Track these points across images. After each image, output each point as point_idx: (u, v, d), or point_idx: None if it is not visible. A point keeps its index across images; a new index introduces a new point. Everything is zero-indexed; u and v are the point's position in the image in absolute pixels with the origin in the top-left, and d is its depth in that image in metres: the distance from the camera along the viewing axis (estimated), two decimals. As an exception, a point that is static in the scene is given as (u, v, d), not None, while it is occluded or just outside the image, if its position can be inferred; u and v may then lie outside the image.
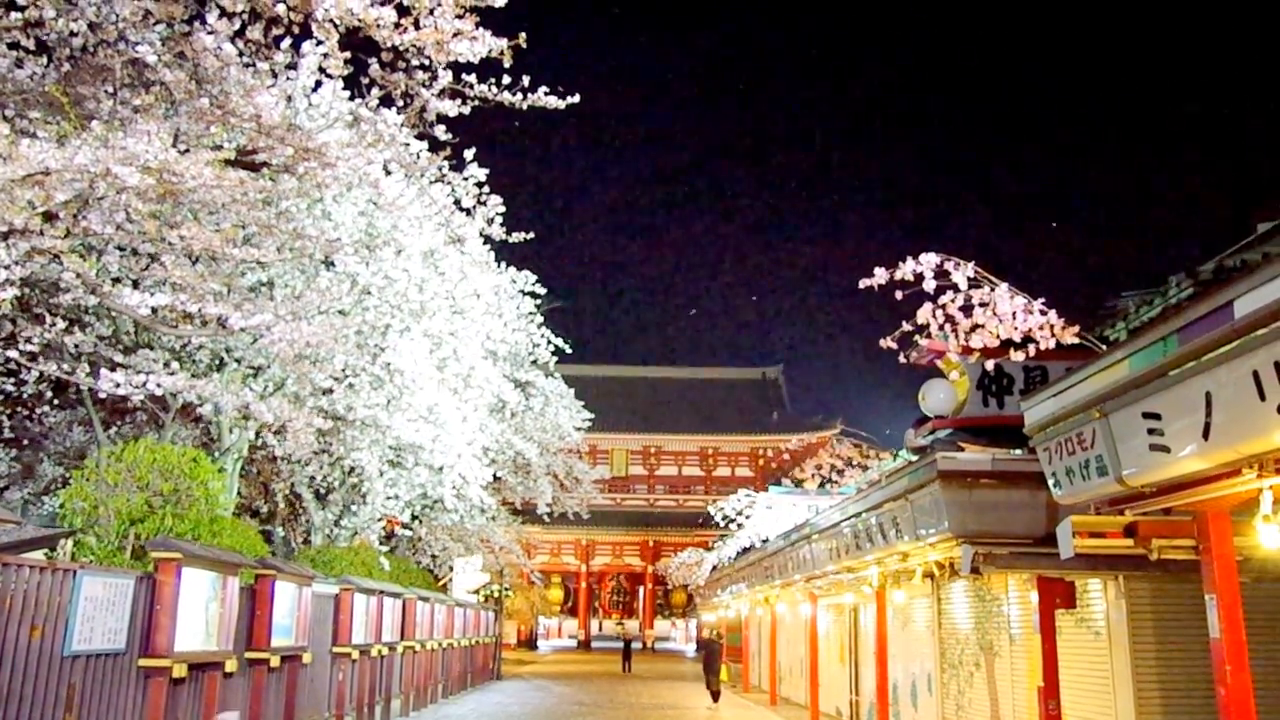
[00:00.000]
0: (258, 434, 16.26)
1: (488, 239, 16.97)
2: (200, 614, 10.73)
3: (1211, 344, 5.72)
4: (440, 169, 13.30)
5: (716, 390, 68.26)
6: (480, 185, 14.85)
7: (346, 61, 9.66)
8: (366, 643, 17.44)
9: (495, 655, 35.48)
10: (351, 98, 12.31)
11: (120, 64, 9.80)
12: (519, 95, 11.17)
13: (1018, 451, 10.35)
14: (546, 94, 11.32)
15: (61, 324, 11.92)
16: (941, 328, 8.54)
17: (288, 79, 11.99)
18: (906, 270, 8.36)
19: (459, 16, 8.97)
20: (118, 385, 10.58)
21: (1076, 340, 8.42)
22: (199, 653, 10.72)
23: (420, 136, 11.74)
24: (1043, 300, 8.36)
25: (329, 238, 12.72)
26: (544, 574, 57.22)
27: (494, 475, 21.89)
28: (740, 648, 35.39)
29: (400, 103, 10.99)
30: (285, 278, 15.08)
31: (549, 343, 24.36)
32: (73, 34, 9.41)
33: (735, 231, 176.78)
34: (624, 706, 24.94)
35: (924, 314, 8.47)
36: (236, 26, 9.64)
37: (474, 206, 15.23)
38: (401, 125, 11.19)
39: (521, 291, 22.13)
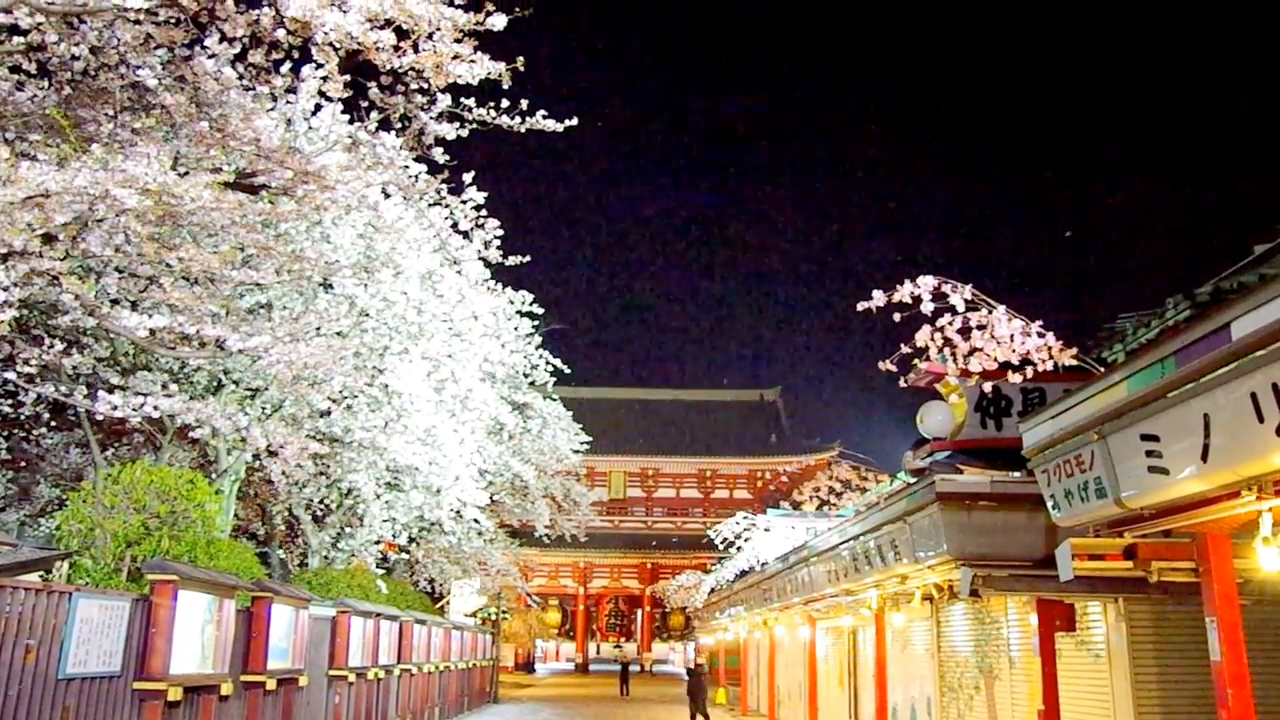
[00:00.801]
0: (255, 456, 16.24)
1: (486, 261, 17.00)
2: (196, 636, 10.68)
3: (1209, 366, 5.73)
4: (439, 192, 13.32)
5: (715, 412, 68.24)
6: (478, 208, 14.88)
7: (346, 85, 9.69)
8: (363, 665, 17.36)
9: (492, 678, 35.33)
10: (351, 121, 12.35)
11: (121, 87, 9.84)
12: (517, 118, 11.21)
13: (1016, 473, 10.34)
14: (545, 117, 11.37)
15: (60, 345, 11.92)
16: (940, 350, 8.55)
17: (287, 102, 12.04)
18: (904, 293, 8.38)
19: (457, 40, 9.00)
20: (115, 407, 10.57)
21: (1074, 362, 8.43)
22: (195, 675, 10.67)
23: (419, 159, 11.78)
24: (1040, 322, 8.38)
25: (328, 260, 12.74)
26: (541, 597, 57.06)
27: (491, 497, 21.85)
28: (739, 670, 35.25)
29: (399, 125, 11.03)
30: (284, 299, 15.08)
31: (547, 364, 24.35)
32: (74, 58, 9.44)
33: (733, 252, 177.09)
34: (622, 730, 24.82)
35: (922, 336, 8.49)
36: (237, 51, 9.69)
37: (472, 229, 15.26)
38: (400, 149, 11.22)
39: (519, 313, 22.12)
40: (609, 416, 61.43)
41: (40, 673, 8.34)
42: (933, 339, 8.50)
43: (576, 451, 29.39)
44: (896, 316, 8.51)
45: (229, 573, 12.02)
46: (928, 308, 8.40)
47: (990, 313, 8.40)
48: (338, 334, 14.53)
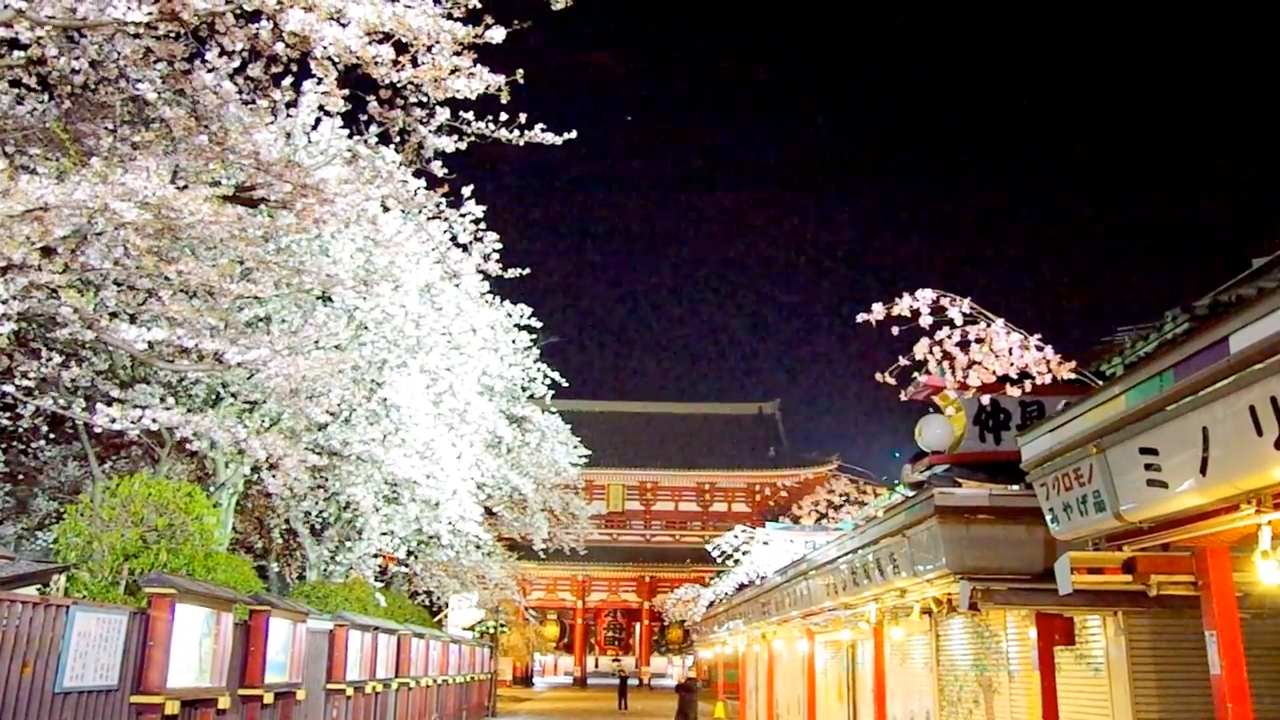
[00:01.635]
0: (254, 469, 16.23)
1: (484, 274, 17.02)
2: (194, 650, 10.65)
3: (1208, 379, 5.73)
4: (438, 205, 13.34)
5: (713, 426, 68.19)
6: (477, 221, 14.90)
7: (345, 99, 9.71)
8: (361, 679, 17.32)
9: (490, 692, 35.22)
10: (350, 135, 12.38)
11: (120, 101, 9.86)
12: (516, 132, 11.23)
13: (1015, 487, 10.33)
14: (543, 130, 11.38)
15: (58, 359, 11.94)
16: (939, 363, 8.55)
17: (288, 116, 12.06)
18: (903, 306, 8.38)
19: (456, 54, 9.02)
20: (113, 420, 10.56)
21: (1073, 375, 8.43)
22: (192, 689, 10.64)
23: (418, 173, 11.79)
24: (1039, 336, 8.38)
25: (327, 273, 12.74)
26: (540, 610, 57.03)
27: (489, 511, 21.84)
28: (737, 684, 35.14)
29: (398, 139, 11.04)
30: (282, 313, 15.10)
31: (545, 377, 24.37)
32: (74, 71, 9.45)
33: (732, 266, 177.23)
34: (620, 744, 24.75)
35: (921, 350, 8.48)
36: (236, 65, 9.70)
37: (471, 242, 15.28)
38: (400, 164, 11.24)
39: (518, 326, 22.15)
40: (608, 430, 61.39)
41: (37, 686, 8.32)
42: (931, 352, 8.49)
43: (575, 465, 29.38)
44: (895, 330, 8.51)
45: (227, 586, 12.00)
46: (926, 321, 8.40)
47: (989, 326, 8.40)
48: (336, 347, 14.54)
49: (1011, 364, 8.40)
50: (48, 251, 8.90)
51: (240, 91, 10.08)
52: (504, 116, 11.09)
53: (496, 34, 8.98)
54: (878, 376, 8.90)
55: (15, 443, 17.77)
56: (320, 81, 9.41)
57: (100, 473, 15.93)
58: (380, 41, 8.67)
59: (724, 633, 32.57)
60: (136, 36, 9.08)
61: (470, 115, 10.97)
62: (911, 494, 11.78)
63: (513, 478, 24.61)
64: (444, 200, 13.22)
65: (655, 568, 61.36)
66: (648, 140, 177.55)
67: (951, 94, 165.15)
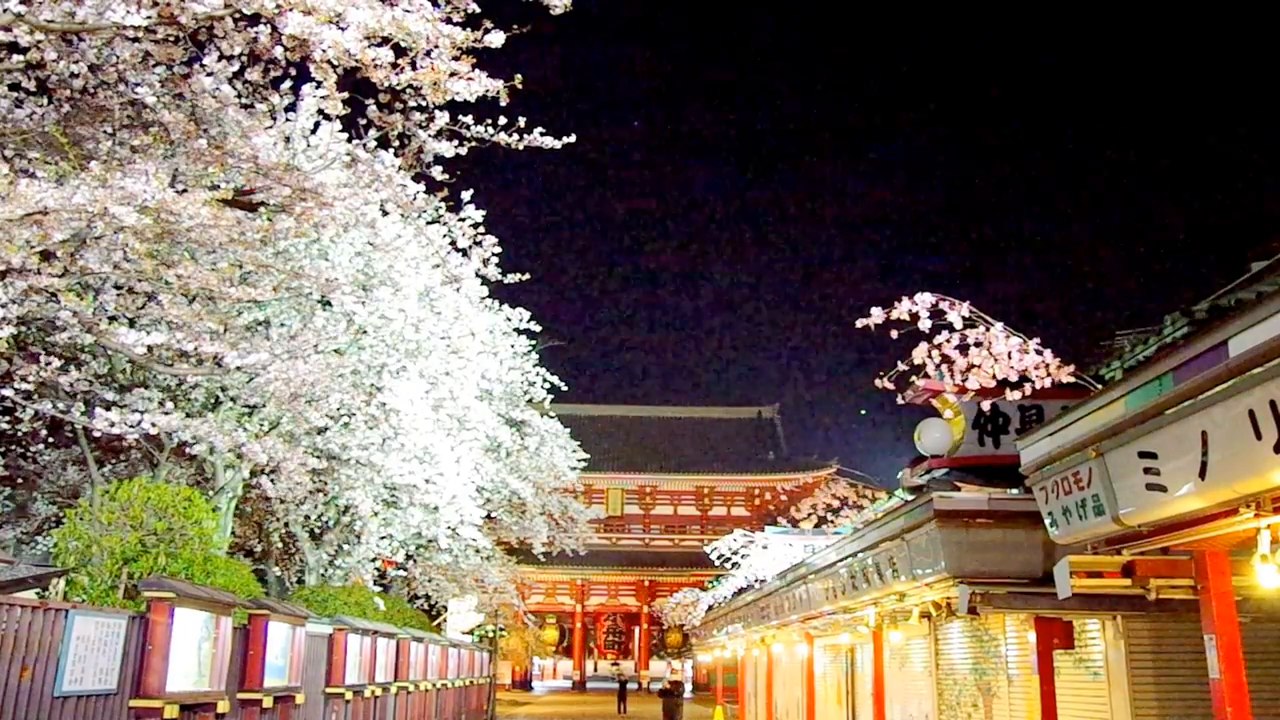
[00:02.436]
0: (252, 473, 16.22)
1: (484, 279, 17.02)
2: (193, 654, 10.64)
3: (1207, 383, 5.73)
4: (437, 209, 13.35)
5: (712, 430, 68.19)
6: (476, 226, 14.91)
7: (344, 102, 9.72)
8: (360, 683, 17.30)
9: (489, 696, 35.20)
10: (349, 139, 12.38)
11: (119, 105, 9.86)
12: (515, 136, 11.24)
13: (1014, 491, 10.33)
14: (542, 134, 11.39)
15: (57, 362, 11.92)
16: (938, 367, 8.56)
17: (287, 120, 12.06)
18: (902, 310, 8.39)
19: (455, 58, 9.03)
20: (113, 424, 10.56)
21: (1072, 379, 8.44)
22: (191, 693, 10.63)
23: (418, 177, 11.80)
24: (1038, 339, 8.39)
25: (326, 277, 12.75)
26: (539, 614, 56.95)
27: (488, 515, 21.83)
28: (736, 688, 35.12)
29: (397, 143, 11.05)
30: (282, 317, 15.09)
31: (544, 381, 24.38)
32: (73, 75, 9.46)
33: (731, 270, 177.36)
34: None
35: (920, 354, 8.50)
36: (235, 68, 9.71)
37: (470, 247, 15.29)
38: (399, 168, 11.24)
39: (516, 330, 22.16)
40: (607, 434, 61.42)
41: (36, 691, 8.31)
42: (930, 356, 8.51)
43: (574, 469, 29.38)
44: (894, 334, 8.53)
45: (226, 590, 11.99)
46: (925, 325, 8.41)
47: (988, 330, 8.42)
48: (335, 351, 14.54)
49: (1010, 368, 8.42)
50: (47, 255, 8.90)
51: (239, 95, 10.09)
52: (503, 120, 11.11)
53: (496, 38, 8.99)
54: (877, 382, 8.91)
55: (14, 446, 17.75)
56: (319, 85, 9.42)
57: (99, 477, 15.91)
58: (379, 45, 8.68)
59: (723, 637, 32.56)
60: (135, 40, 9.09)
61: (470, 119, 10.98)
62: (910, 498, 11.78)
63: (512, 482, 24.61)
64: (443, 205, 13.24)
65: (654, 572, 61.34)
66: (647, 143, 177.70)
67: (951, 96, 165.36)
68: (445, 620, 30.38)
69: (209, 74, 9.53)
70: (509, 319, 21.57)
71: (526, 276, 17.26)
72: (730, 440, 66.39)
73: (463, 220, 14.63)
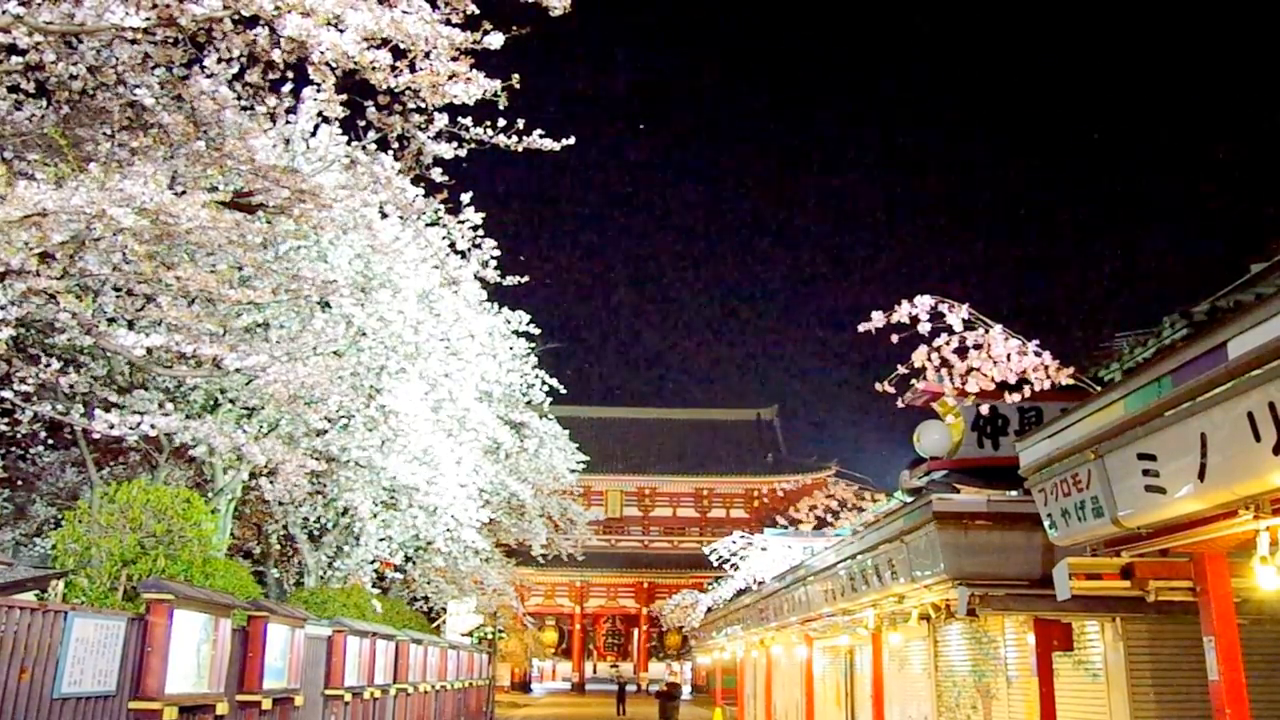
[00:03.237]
0: (252, 475, 16.21)
1: (483, 281, 17.03)
2: (192, 656, 10.63)
3: (1206, 385, 5.74)
4: (436, 212, 13.36)
5: (711, 432, 68.17)
6: (476, 228, 14.91)
7: (343, 104, 9.71)
8: (359, 685, 17.29)
9: (489, 698, 35.19)
10: (348, 140, 12.38)
11: (119, 106, 9.85)
12: (514, 138, 11.24)
13: (1013, 493, 10.33)
14: (541, 136, 11.39)
15: (56, 364, 11.92)
16: (937, 370, 8.56)
17: (287, 122, 12.06)
18: (902, 313, 8.40)
19: (454, 59, 9.02)
20: (112, 426, 10.56)
21: (1071, 381, 8.45)
22: (190, 695, 10.61)
23: (417, 179, 11.80)
24: (1037, 342, 8.39)
25: (325, 279, 12.74)
26: (538, 616, 56.95)
27: (488, 517, 21.81)
28: (736, 690, 35.11)
29: (396, 145, 11.05)
30: (281, 319, 15.08)
31: (543, 384, 24.38)
32: (72, 77, 9.46)
33: (731, 272, 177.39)
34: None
35: (919, 356, 8.50)
36: (234, 71, 9.70)
37: (469, 249, 15.29)
38: (398, 170, 11.24)
39: (516, 332, 22.16)
40: (606, 436, 61.41)
41: (35, 692, 8.30)
42: (930, 359, 8.52)
43: (573, 471, 29.37)
44: (894, 337, 8.53)
45: (225, 592, 11.98)
46: (925, 327, 8.42)
47: (987, 332, 8.43)
48: (335, 353, 14.53)
49: (1010, 370, 8.42)
50: (46, 257, 8.90)
51: (239, 97, 10.09)
52: (502, 122, 11.11)
53: (495, 40, 8.99)
54: (877, 386, 8.91)
55: (13, 448, 17.75)
56: (319, 88, 9.42)
57: (98, 478, 15.91)
58: (378, 47, 8.68)
59: (722, 638, 32.56)
60: (134, 42, 9.09)
61: (469, 121, 10.98)
62: (910, 500, 11.78)
63: (511, 483, 24.60)
64: (442, 207, 13.24)
65: (653, 573, 61.34)
66: (647, 146, 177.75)
67: (951, 99, 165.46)
68: (444, 622, 30.36)
69: (208, 76, 9.53)
70: (508, 321, 21.58)
71: (525, 279, 17.29)
72: (729, 442, 66.38)
73: (462, 223, 14.64)
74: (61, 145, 9.65)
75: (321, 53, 8.53)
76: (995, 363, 8.40)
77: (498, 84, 9.46)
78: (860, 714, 18.99)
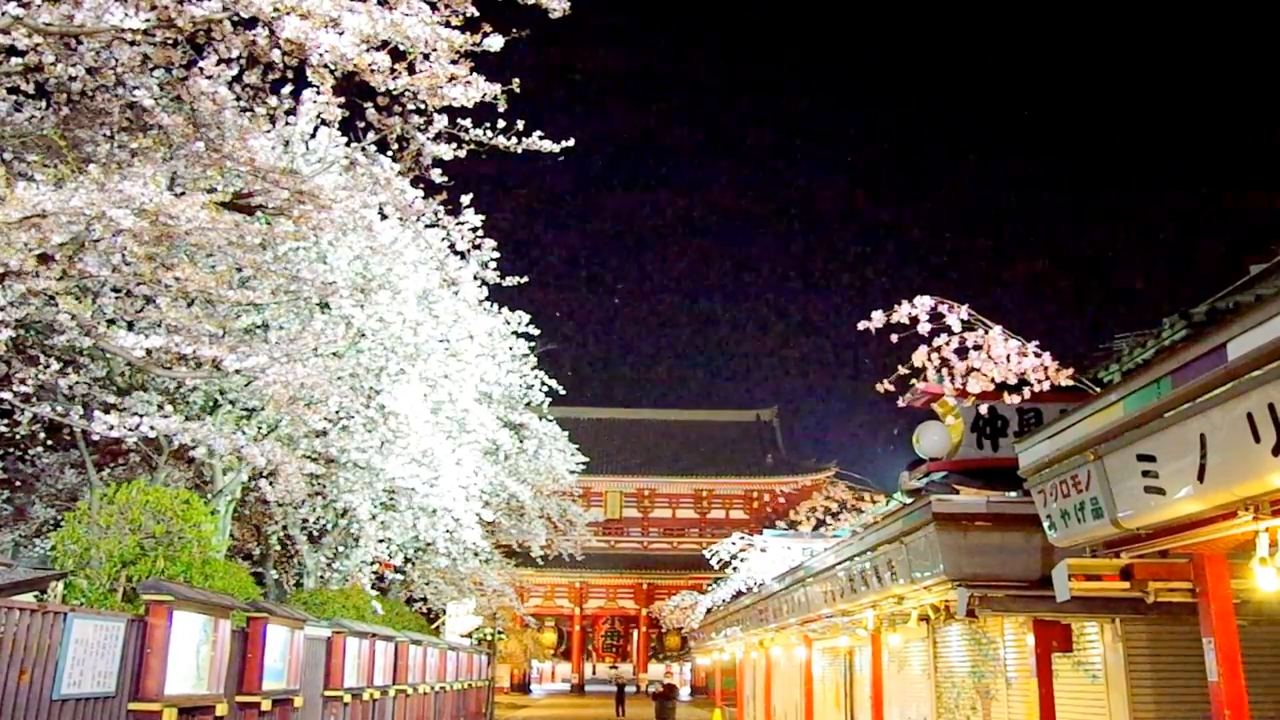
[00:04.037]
0: (251, 476, 16.21)
1: (482, 282, 17.02)
2: (191, 657, 10.64)
3: (1205, 386, 5.75)
4: (436, 213, 13.35)
5: (711, 433, 68.15)
6: (475, 229, 14.90)
7: (343, 105, 9.71)
8: (359, 686, 17.30)
9: (488, 699, 35.19)
10: (348, 142, 12.37)
11: (118, 108, 9.86)
12: (514, 139, 11.24)
13: (1013, 494, 10.34)
14: (540, 138, 11.39)
15: (56, 365, 11.92)
16: (937, 371, 8.56)
17: (287, 124, 12.05)
18: (902, 313, 8.40)
19: (454, 62, 9.02)
20: (111, 427, 10.55)
21: (1071, 382, 8.45)
22: (190, 696, 10.62)
23: (416, 181, 11.80)
24: (1037, 343, 8.39)
25: (324, 280, 12.74)
26: (537, 617, 56.91)
27: (490, 517, 21.80)
28: (735, 691, 35.11)
29: (396, 146, 11.04)
30: (280, 320, 15.08)
31: (542, 384, 24.37)
32: (72, 78, 9.45)
33: (730, 273, 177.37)
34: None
35: (919, 357, 8.50)
36: (234, 71, 9.70)
37: (469, 250, 15.28)
38: (398, 172, 11.24)
39: (515, 333, 22.14)
40: (605, 437, 61.40)
41: (35, 693, 8.30)
42: (929, 359, 8.52)
43: (573, 472, 29.32)
44: (894, 337, 8.53)
45: (224, 593, 11.98)
46: (924, 328, 8.42)
47: (987, 333, 8.43)
48: (334, 354, 14.53)
49: (1009, 371, 8.43)
50: (45, 258, 8.89)
51: (238, 98, 10.08)
52: (502, 124, 11.11)
53: (494, 42, 8.99)
54: (878, 386, 8.91)
55: (13, 450, 17.74)
56: (318, 91, 9.42)
57: (98, 480, 15.90)
58: (377, 49, 8.68)
59: (721, 640, 32.56)
60: (134, 43, 9.08)
61: (468, 123, 10.98)
62: (909, 501, 11.79)
63: (510, 485, 24.55)
64: (442, 208, 13.24)
65: (653, 575, 61.31)
66: (646, 147, 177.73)
67: (950, 100, 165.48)
68: (444, 623, 30.37)
69: (207, 77, 9.52)
70: (507, 322, 21.56)
71: (525, 279, 17.29)
72: (729, 443, 66.36)
73: (461, 224, 14.63)
74: (61, 146, 9.65)
75: (320, 55, 8.53)
76: (995, 363, 8.41)
77: (497, 87, 9.46)
78: (860, 715, 18.99)
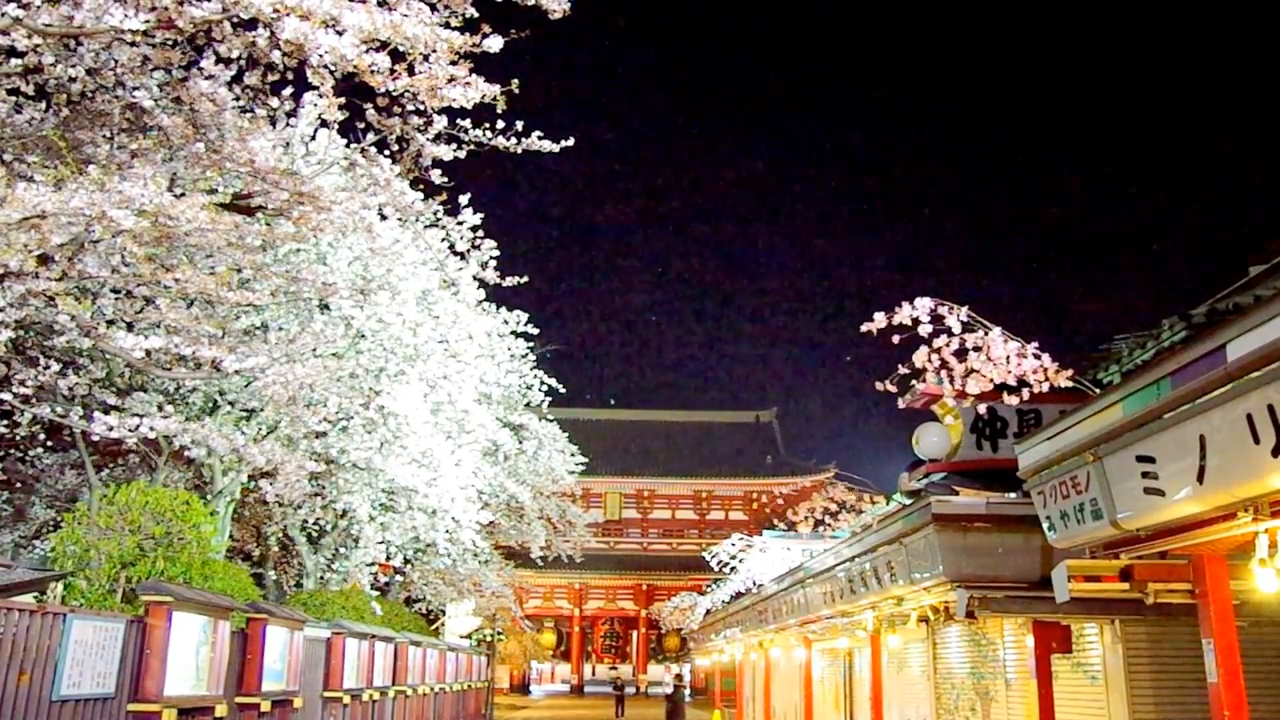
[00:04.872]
0: (251, 477, 16.21)
1: (482, 282, 17.01)
2: (191, 658, 10.64)
3: (1205, 387, 5.74)
4: (435, 213, 13.35)
5: (710, 434, 68.10)
6: (475, 229, 14.90)
7: (343, 106, 9.70)
8: (358, 687, 17.29)
9: (487, 700, 35.17)
10: (348, 143, 12.37)
11: (118, 109, 9.86)
12: (513, 139, 11.23)
13: (1012, 495, 10.33)
14: (540, 138, 11.39)
15: (55, 366, 11.92)
16: (937, 372, 8.57)
17: (287, 125, 12.05)
18: (902, 315, 8.41)
19: (453, 63, 9.01)
20: (111, 428, 10.55)
21: (1070, 384, 8.45)
22: (189, 697, 10.62)
23: (416, 181, 11.79)
24: (1036, 344, 8.40)
25: (324, 281, 12.74)
26: (537, 618, 56.93)
27: (488, 518, 21.80)
28: (734, 693, 35.08)
29: (396, 147, 11.04)
30: (280, 321, 15.08)
31: (542, 385, 24.36)
32: (72, 79, 9.46)
33: (730, 274, 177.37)
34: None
35: (919, 358, 8.51)
36: (234, 73, 9.70)
37: (468, 250, 15.28)
38: (397, 173, 11.24)
39: (515, 333, 22.13)
40: (605, 438, 61.31)
41: (34, 694, 8.30)
42: (929, 360, 8.52)
43: (572, 473, 29.31)
44: (894, 339, 8.54)
45: (224, 594, 11.98)
46: (924, 329, 8.42)
47: (986, 334, 8.43)
48: (334, 355, 14.52)
49: (1009, 372, 8.43)
50: (45, 259, 8.89)
51: (238, 99, 10.08)
52: (501, 124, 11.10)
53: (494, 43, 8.98)
54: (877, 385, 8.92)
55: (13, 451, 17.75)
56: (319, 92, 9.41)
57: (97, 480, 15.91)
58: (377, 50, 8.67)
59: (721, 641, 32.55)
60: (134, 44, 9.09)
61: (468, 123, 10.98)
62: (908, 502, 11.78)
63: (510, 486, 24.55)
64: (441, 208, 13.24)
65: (652, 576, 61.27)
66: (645, 147, 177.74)
67: (950, 101, 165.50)
68: (443, 624, 30.36)
69: (207, 78, 9.52)
70: (506, 322, 21.55)
71: (525, 279, 17.25)
72: (728, 444, 66.31)
73: (461, 224, 14.63)
74: (61, 147, 9.65)
75: (320, 56, 8.52)
76: (994, 364, 8.41)
77: (496, 88, 9.45)
78: (859, 716, 18.98)
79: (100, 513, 11.39)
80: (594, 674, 64.84)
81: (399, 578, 26.75)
